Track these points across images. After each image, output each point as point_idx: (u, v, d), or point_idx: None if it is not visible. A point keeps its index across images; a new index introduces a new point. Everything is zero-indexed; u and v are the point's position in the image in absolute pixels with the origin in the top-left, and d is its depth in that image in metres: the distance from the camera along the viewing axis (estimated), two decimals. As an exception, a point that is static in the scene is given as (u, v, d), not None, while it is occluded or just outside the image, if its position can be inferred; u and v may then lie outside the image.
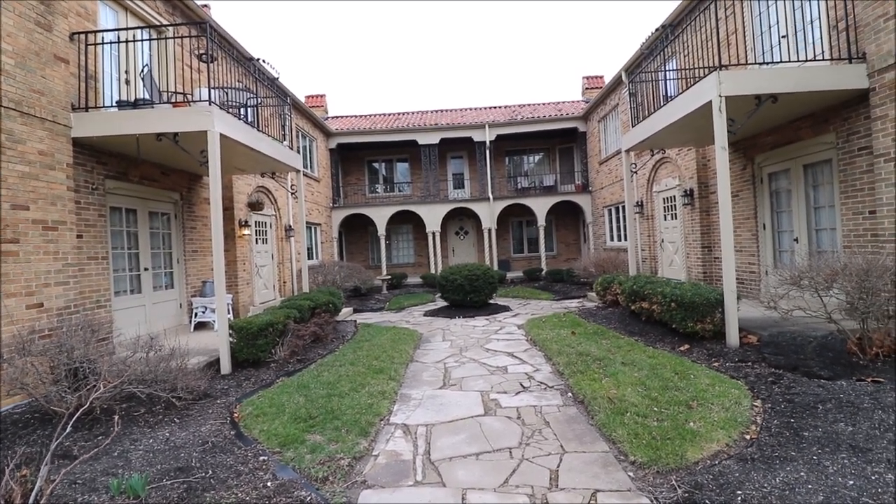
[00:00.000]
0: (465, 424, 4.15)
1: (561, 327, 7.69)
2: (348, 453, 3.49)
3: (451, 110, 20.37)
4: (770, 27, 7.39)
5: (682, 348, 5.85)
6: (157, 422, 4.21)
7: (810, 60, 6.38)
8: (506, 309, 10.93)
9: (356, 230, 19.08)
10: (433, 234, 16.76)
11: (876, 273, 4.58)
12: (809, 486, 2.71)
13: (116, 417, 3.31)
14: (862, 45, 5.60)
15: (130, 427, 4.07)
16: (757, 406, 3.93)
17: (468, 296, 10.86)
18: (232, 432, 3.95)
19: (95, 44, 6.11)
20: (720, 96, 5.58)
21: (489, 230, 16.94)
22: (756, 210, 8.11)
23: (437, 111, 20.37)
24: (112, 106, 6.38)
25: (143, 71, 6.48)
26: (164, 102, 6.39)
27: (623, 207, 13.80)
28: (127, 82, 6.98)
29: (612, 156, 14.48)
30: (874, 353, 4.70)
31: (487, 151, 17.06)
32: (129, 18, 7.16)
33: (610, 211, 15.18)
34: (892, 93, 5.19)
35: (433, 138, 17.13)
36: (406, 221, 18.73)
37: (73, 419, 3.16)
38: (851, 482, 2.72)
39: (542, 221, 16.85)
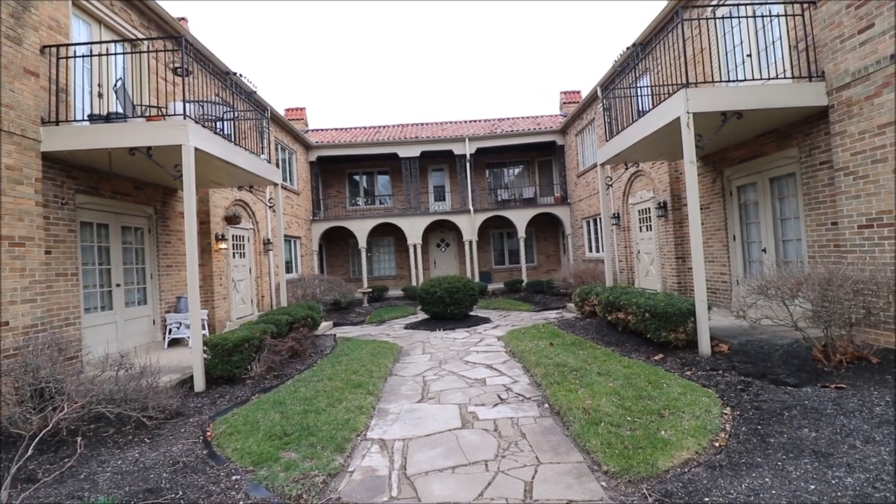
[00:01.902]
0: (442, 438, 4.15)
1: (539, 338, 7.76)
2: (323, 470, 3.46)
3: (431, 124, 20.54)
4: (735, 46, 7.70)
5: (656, 358, 5.95)
6: (126, 442, 4.10)
7: (773, 78, 6.65)
8: (486, 321, 10.97)
9: (337, 243, 18.98)
10: (414, 246, 16.77)
11: (837, 282, 4.76)
12: (773, 492, 2.79)
13: (79, 439, 3.22)
14: (821, 64, 5.87)
15: (98, 448, 3.95)
16: (726, 413, 4.02)
17: (448, 308, 10.88)
18: (204, 451, 3.87)
19: (67, 57, 6.03)
20: (688, 113, 5.77)
21: (470, 242, 17.03)
22: (726, 222, 8.34)
23: (417, 124, 20.51)
24: (84, 120, 6.28)
25: (116, 84, 6.40)
26: (138, 116, 6.32)
27: (601, 219, 14.06)
28: (100, 96, 6.89)
29: (589, 169, 14.76)
30: (838, 359, 4.86)
31: (468, 164, 17.24)
32: (104, 32, 7.09)
33: (588, 223, 15.42)
34: (850, 110, 5.44)
35: (414, 151, 17.24)
36: (387, 234, 18.74)
37: (36, 441, 3.06)
38: (813, 486, 2.80)
39: (522, 233, 17.02)
